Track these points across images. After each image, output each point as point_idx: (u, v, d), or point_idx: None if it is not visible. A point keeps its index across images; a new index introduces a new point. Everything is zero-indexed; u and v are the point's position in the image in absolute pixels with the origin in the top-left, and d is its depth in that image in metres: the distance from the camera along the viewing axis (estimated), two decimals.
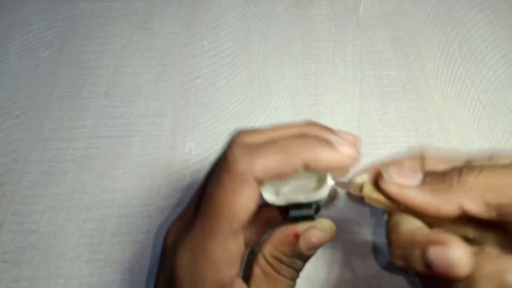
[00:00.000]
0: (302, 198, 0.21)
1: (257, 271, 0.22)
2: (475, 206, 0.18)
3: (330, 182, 0.21)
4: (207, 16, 0.44)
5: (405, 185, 0.20)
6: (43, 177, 0.34)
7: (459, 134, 0.35)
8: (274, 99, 0.38)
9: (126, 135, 0.36)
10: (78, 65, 0.41)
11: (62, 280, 0.30)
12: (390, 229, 0.20)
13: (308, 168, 0.20)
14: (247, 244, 0.25)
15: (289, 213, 0.22)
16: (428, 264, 0.17)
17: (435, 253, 0.17)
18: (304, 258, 0.22)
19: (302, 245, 0.21)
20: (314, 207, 0.22)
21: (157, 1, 0.45)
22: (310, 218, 0.22)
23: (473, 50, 0.40)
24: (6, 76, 0.40)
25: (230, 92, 0.39)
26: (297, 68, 0.40)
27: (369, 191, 0.21)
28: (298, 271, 0.23)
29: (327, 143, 0.20)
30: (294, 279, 0.23)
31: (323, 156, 0.20)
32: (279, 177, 0.20)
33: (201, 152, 0.35)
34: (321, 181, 0.22)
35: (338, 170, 0.21)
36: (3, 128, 0.37)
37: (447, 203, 0.19)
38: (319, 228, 0.22)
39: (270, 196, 0.21)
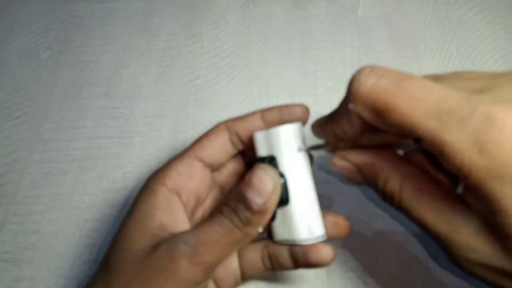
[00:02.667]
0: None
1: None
2: (366, 114, 0.19)
3: (295, 125, 0.24)
4: (207, 17, 0.44)
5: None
6: (44, 178, 0.34)
7: None
8: (274, 100, 0.38)
9: (126, 135, 0.37)
10: (78, 66, 0.41)
11: (62, 280, 0.30)
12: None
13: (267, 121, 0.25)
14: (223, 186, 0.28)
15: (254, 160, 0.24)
16: None
17: None
18: (248, 206, 0.21)
19: (245, 187, 0.21)
20: (269, 158, 0.24)
21: (157, 2, 0.46)
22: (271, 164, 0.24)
23: (471, 50, 0.41)
24: (6, 77, 0.40)
25: (230, 93, 0.39)
26: (296, 69, 0.40)
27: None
28: (241, 219, 0.22)
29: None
30: (232, 223, 0.22)
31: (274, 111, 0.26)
32: (244, 127, 0.26)
33: None
34: None
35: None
36: (3, 129, 0.37)
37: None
38: (260, 168, 0.22)
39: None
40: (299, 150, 0.24)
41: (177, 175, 0.25)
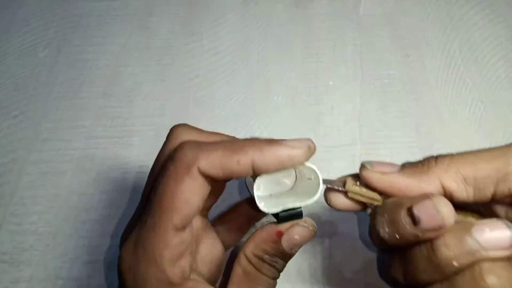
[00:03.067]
0: (298, 204, 0.22)
1: (238, 271, 0.22)
2: (454, 181, 0.19)
3: (322, 186, 0.21)
4: (207, 15, 0.44)
5: (386, 171, 0.20)
6: (42, 178, 0.34)
7: (459, 134, 0.35)
8: (274, 99, 0.38)
9: (125, 135, 0.36)
10: (77, 65, 0.41)
11: (60, 281, 0.30)
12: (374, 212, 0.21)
13: (256, 169, 0.19)
14: (227, 246, 0.25)
15: (279, 215, 0.22)
16: (415, 220, 0.18)
17: (422, 207, 0.18)
18: (286, 257, 0.22)
19: (285, 243, 0.22)
20: (301, 212, 0.22)
21: (156, 0, 0.45)
22: (298, 217, 0.22)
23: (473, 49, 0.40)
24: (4, 76, 0.40)
25: (230, 92, 0.38)
26: (297, 68, 0.40)
27: (352, 185, 0.21)
28: (279, 270, 0.23)
29: (275, 141, 0.20)
30: (275, 279, 0.23)
31: (270, 152, 0.19)
32: (225, 173, 0.19)
33: None
34: (309, 180, 0.22)
35: (289, 165, 0.20)
36: (1, 128, 0.37)
37: (427, 182, 0.19)
38: (301, 226, 0.22)
39: (266, 208, 0.21)
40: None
41: (174, 266, 0.20)
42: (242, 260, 0.22)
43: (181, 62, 0.41)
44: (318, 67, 0.40)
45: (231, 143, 0.20)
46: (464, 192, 0.19)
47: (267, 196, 0.23)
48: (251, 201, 0.24)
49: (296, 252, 0.22)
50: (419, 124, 0.36)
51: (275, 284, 0.23)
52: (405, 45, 0.40)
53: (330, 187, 0.22)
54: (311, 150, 0.20)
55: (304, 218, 0.22)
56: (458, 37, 0.41)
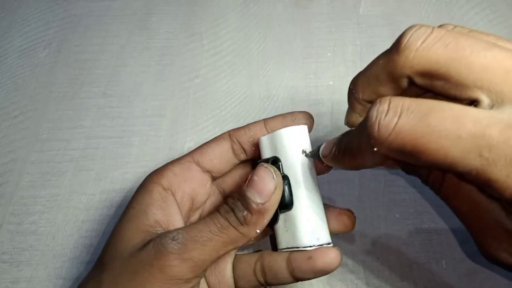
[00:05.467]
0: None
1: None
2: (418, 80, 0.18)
3: (301, 128, 0.24)
4: (206, 15, 0.44)
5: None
6: (42, 178, 0.34)
7: None
8: (274, 99, 0.38)
9: (125, 135, 0.36)
10: (77, 65, 0.41)
11: (61, 281, 0.30)
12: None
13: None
14: (216, 174, 0.27)
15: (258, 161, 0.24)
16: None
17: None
18: (247, 206, 0.21)
19: (246, 186, 0.21)
20: (272, 159, 0.23)
21: (156, 0, 0.45)
22: (268, 161, 0.23)
23: None
24: (4, 76, 0.40)
25: (230, 92, 0.38)
26: (297, 68, 0.40)
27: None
28: (237, 217, 0.21)
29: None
30: (227, 220, 0.21)
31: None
32: (246, 135, 0.26)
33: None
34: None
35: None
36: (1, 128, 0.37)
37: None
38: (262, 165, 0.22)
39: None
40: (303, 152, 0.23)
41: (172, 176, 0.25)
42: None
43: (181, 62, 0.41)
44: (318, 67, 0.40)
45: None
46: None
47: None
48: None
49: (260, 205, 0.21)
50: None
51: (232, 234, 0.21)
52: None
53: (313, 155, 0.23)
54: (309, 116, 0.26)
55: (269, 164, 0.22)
56: None
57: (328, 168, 0.24)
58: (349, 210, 0.25)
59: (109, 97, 0.38)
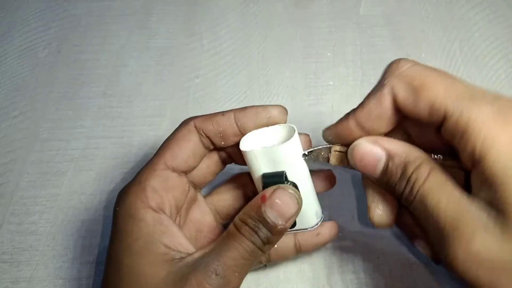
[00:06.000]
0: (275, 145, 0.23)
1: (223, 234, 0.23)
2: (402, 86, 0.20)
3: (296, 133, 0.23)
4: (206, 15, 0.44)
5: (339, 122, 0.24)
6: (42, 178, 0.34)
7: None
8: (274, 99, 0.38)
9: (125, 135, 0.36)
10: (77, 65, 0.41)
11: (60, 281, 0.30)
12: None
13: (238, 123, 0.24)
14: (223, 217, 0.28)
15: (263, 178, 0.23)
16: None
17: (350, 155, 0.22)
18: (270, 226, 0.22)
19: (267, 209, 0.22)
20: (284, 175, 0.23)
21: (155, 0, 0.45)
22: (280, 178, 0.23)
23: (473, 50, 0.40)
24: (4, 76, 0.40)
25: (230, 92, 0.38)
26: (297, 68, 0.40)
27: (337, 160, 0.24)
28: (262, 240, 0.22)
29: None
30: (255, 244, 0.22)
31: (250, 108, 0.24)
32: (214, 128, 0.24)
33: None
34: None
35: (266, 120, 0.24)
36: (1, 128, 0.37)
37: (381, 96, 0.21)
38: (282, 188, 0.22)
39: (244, 146, 0.24)
40: (304, 156, 0.24)
41: (155, 193, 0.23)
42: (230, 226, 0.23)
43: (181, 62, 0.41)
44: (318, 67, 0.40)
45: (222, 111, 0.25)
46: (410, 99, 0.20)
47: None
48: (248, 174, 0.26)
49: (282, 227, 0.22)
50: None
51: (257, 254, 0.22)
52: (405, 45, 0.40)
53: (314, 158, 0.24)
54: (285, 111, 0.25)
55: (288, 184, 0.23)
56: (458, 37, 0.41)
57: (333, 183, 0.27)
58: (329, 171, 0.27)
59: (109, 97, 0.38)
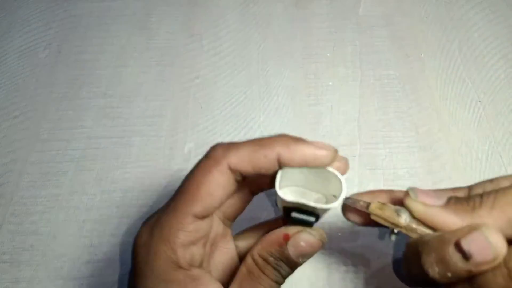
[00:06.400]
0: (312, 203, 0.21)
1: (243, 270, 0.22)
2: (499, 222, 0.18)
3: (343, 196, 0.21)
4: (206, 16, 0.44)
5: (430, 204, 0.20)
6: (42, 178, 0.34)
7: (459, 134, 0.35)
8: (274, 99, 0.38)
9: (125, 135, 0.36)
10: (77, 65, 0.41)
11: (61, 281, 0.30)
12: (413, 243, 0.20)
13: (282, 163, 0.21)
14: (241, 254, 0.25)
15: (291, 214, 0.22)
16: (466, 254, 0.17)
17: (471, 240, 0.17)
18: (292, 264, 0.22)
19: (291, 248, 0.21)
20: (316, 216, 0.22)
21: (156, 1, 0.45)
22: (309, 225, 0.22)
23: (473, 50, 0.40)
24: (5, 76, 0.40)
25: (230, 92, 0.39)
26: (297, 68, 0.40)
27: (376, 208, 0.21)
28: (283, 276, 0.22)
29: (302, 140, 0.21)
30: (278, 283, 0.22)
31: (296, 148, 0.21)
32: (253, 168, 0.21)
33: (200, 152, 0.35)
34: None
35: (314, 164, 0.21)
36: (1, 128, 0.37)
37: (471, 222, 0.19)
38: (308, 233, 0.22)
39: (282, 194, 0.21)
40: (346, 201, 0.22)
41: (186, 251, 0.21)
42: (248, 260, 0.22)
43: (181, 62, 0.41)
44: (318, 67, 0.40)
45: (259, 140, 0.21)
46: (508, 231, 0.18)
47: (289, 190, 0.23)
48: (279, 219, 0.25)
49: (302, 262, 0.22)
50: (419, 124, 0.36)
51: None
52: (405, 45, 0.41)
53: (351, 204, 0.22)
54: (336, 155, 0.21)
55: (315, 227, 0.22)
56: (458, 37, 0.41)
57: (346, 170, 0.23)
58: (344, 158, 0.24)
59: (110, 97, 0.39)
